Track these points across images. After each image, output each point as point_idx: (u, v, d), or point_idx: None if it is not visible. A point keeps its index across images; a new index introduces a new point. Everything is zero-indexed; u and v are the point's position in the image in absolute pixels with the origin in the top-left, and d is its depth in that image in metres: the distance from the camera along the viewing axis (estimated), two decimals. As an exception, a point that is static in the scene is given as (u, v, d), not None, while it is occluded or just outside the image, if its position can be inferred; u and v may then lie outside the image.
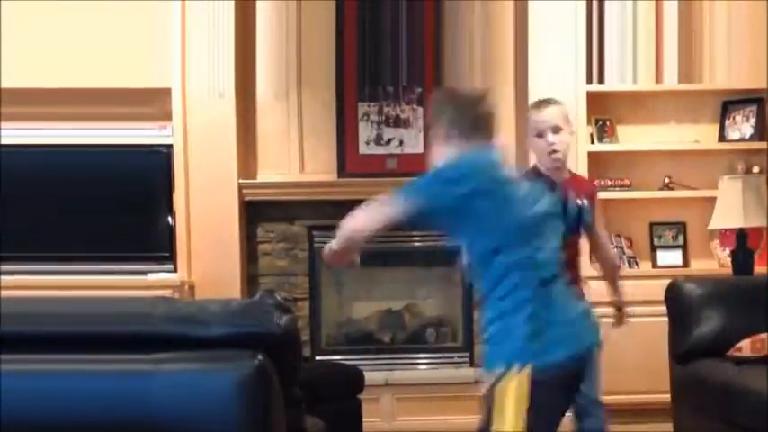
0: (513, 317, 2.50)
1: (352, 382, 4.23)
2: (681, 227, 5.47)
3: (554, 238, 2.64)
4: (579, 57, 5.31)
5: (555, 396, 2.55)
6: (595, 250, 3.75)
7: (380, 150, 5.45)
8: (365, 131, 5.45)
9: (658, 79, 5.45)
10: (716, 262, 5.38)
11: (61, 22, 5.11)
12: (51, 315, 2.26)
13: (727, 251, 5.18)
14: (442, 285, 5.72)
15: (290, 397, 2.47)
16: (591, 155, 5.31)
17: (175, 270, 5.20)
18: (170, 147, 5.24)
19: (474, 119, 2.63)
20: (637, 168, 5.45)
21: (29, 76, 5.00)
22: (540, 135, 3.44)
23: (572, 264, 3.31)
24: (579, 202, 3.48)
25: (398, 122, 5.46)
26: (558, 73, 5.27)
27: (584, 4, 5.33)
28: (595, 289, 5.10)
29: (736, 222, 4.96)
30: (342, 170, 5.43)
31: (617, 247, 5.37)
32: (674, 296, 4.26)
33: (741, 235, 4.97)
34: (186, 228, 5.22)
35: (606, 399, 5.05)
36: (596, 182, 5.32)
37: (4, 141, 4.94)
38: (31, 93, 5.04)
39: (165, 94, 5.22)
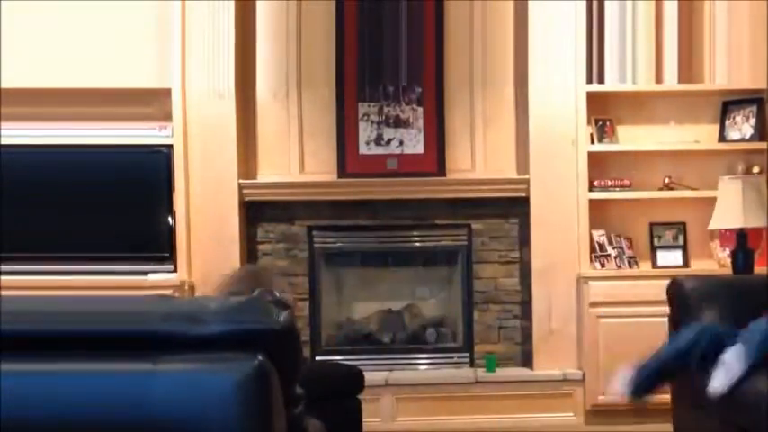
0: None
1: (352, 382, 4.22)
2: (681, 227, 5.47)
3: None
4: (579, 57, 5.31)
5: None
6: None
7: (380, 150, 5.44)
8: (365, 131, 5.45)
9: (658, 79, 5.45)
10: (716, 262, 5.38)
11: (61, 21, 5.11)
12: (51, 314, 2.25)
13: (727, 251, 5.17)
14: (442, 285, 5.73)
15: (290, 397, 2.46)
16: (591, 155, 5.31)
17: (175, 270, 5.20)
18: (170, 147, 5.24)
19: None
20: (637, 168, 5.45)
21: (29, 76, 5.01)
22: None
23: None
24: None
25: (398, 122, 5.45)
26: (558, 73, 5.28)
27: (584, 4, 5.33)
28: (595, 288, 5.21)
29: (736, 222, 4.95)
30: (342, 170, 5.43)
31: (617, 247, 5.37)
32: (674, 293, 4.25)
33: (741, 235, 4.97)
34: (186, 228, 5.22)
35: (606, 399, 5.09)
36: (597, 182, 5.34)
37: (4, 141, 4.94)
38: (31, 93, 5.04)
39: (165, 94, 5.22)
